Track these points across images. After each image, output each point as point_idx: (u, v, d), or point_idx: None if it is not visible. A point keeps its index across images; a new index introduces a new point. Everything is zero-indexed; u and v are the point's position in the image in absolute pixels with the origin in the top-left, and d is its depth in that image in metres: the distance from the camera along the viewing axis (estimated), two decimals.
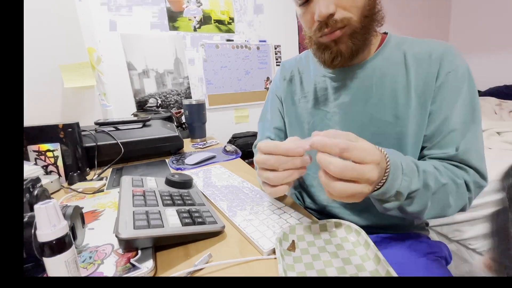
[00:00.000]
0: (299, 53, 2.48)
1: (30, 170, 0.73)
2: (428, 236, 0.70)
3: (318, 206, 0.73)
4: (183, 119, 1.84)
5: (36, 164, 0.79)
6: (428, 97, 0.55)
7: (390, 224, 0.66)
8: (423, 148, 0.58)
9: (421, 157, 0.59)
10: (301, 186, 0.79)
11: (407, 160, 0.45)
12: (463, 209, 0.55)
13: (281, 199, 0.63)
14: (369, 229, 0.55)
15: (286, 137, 0.80)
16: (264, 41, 2.37)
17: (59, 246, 0.30)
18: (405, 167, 0.43)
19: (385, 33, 0.64)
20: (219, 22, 2.19)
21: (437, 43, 0.58)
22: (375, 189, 0.42)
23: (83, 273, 0.38)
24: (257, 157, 0.45)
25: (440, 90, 0.55)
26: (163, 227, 0.44)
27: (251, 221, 0.53)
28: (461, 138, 0.53)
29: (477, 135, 0.55)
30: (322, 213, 0.72)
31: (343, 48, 0.56)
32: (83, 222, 0.47)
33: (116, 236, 0.40)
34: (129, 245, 0.42)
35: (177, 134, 1.06)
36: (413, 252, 0.61)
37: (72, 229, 0.41)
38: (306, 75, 0.74)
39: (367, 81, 0.61)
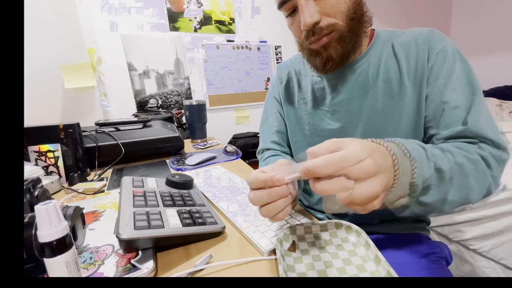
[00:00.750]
0: None
1: (31, 170, 0.74)
2: (428, 237, 0.70)
3: (317, 202, 0.73)
4: (184, 120, 1.84)
5: (36, 164, 0.79)
6: (422, 80, 0.56)
7: (391, 220, 0.65)
8: (426, 131, 0.57)
9: (428, 142, 0.58)
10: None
11: (412, 144, 0.40)
12: (489, 192, 0.49)
13: None
14: (369, 228, 0.55)
15: (288, 139, 0.80)
16: (265, 41, 2.37)
17: (60, 246, 0.30)
18: (412, 153, 0.38)
19: (373, 30, 0.65)
20: (220, 22, 2.19)
21: (420, 29, 0.59)
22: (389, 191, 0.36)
23: (84, 274, 0.38)
24: (250, 196, 0.41)
25: (432, 71, 0.55)
26: (164, 227, 0.44)
27: (252, 222, 0.53)
28: (466, 112, 0.51)
29: (482, 106, 0.52)
30: (323, 212, 0.72)
31: (332, 53, 0.57)
32: (83, 223, 0.47)
33: (117, 236, 0.40)
34: (129, 246, 0.42)
35: (177, 134, 1.06)
36: (414, 253, 0.61)
37: (73, 229, 0.41)
38: (303, 76, 0.74)
39: (362, 76, 0.62)
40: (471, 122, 0.50)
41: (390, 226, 0.66)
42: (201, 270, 0.41)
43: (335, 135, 0.66)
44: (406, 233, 0.67)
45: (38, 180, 0.54)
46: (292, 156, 0.81)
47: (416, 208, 0.43)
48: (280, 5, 0.57)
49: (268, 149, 0.82)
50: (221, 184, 0.74)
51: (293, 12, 0.57)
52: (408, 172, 0.37)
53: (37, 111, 1.02)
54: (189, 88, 2.17)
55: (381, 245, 0.54)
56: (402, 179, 0.36)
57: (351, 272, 0.40)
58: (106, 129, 1.00)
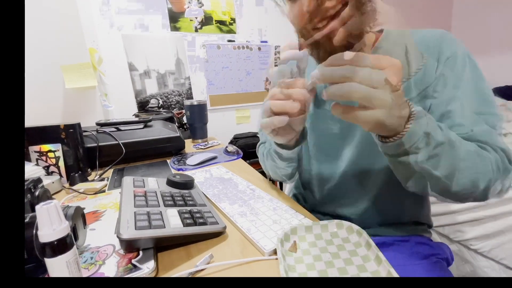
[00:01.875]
0: None
1: (32, 170, 0.74)
2: (430, 238, 0.70)
3: (318, 203, 0.73)
4: (185, 120, 1.84)
5: (37, 164, 0.79)
6: (428, 88, 0.53)
7: (392, 223, 0.65)
8: None
9: None
10: (302, 186, 0.79)
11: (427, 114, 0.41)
12: (501, 191, 0.48)
13: (284, 200, 0.63)
14: (370, 230, 0.54)
15: None
16: (266, 41, 2.37)
17: (61, 246, 0.30)
18: (427, 114, 0.40)
19: (380, 31, 0.60)
20: (221, 22, 2.19)
21: (433, 31, 0.56)
22: (401, 135, 0.38)
23: (85, 274, 0.38)
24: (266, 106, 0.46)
25: (440, 78, 0.52)
26: (165, 227, 0.44)
27: (253, 222, 0.53)
28: (475, 120, 0.49)
29: (489, 120, 0.48)
30: (324, 213, 0.72)
31: (337, 43, 0.47)
32: (84, 223, 0.47)
33: (118, 236, 0.40)
34: (130, 246, 0.42)
35: (178, 134, 1.06)
36: (415, 254, 0.61)
37: (74, 229, 0.41)
38: (307, 75, 0.71)
39: None
40: (478, 130, 0.48)
41: (391, 229, 0.66)
42: (202, 270, 0.41)
43: (336, 136, 0.66)
44: (407, 235, 0.66)
45: (39, 180, 0.54)
46: None
47: (421, 180, 0.44)
48: None
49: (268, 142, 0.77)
50: (221, 184, 0.74)
51: None
52: (423, 120, 0.38)
53: (38, 111, 1.02)
54: (190, 88, 2.17)
55: (382, 247, 0.56)
56: (415, 126, 0.38)
57: (352, 272, 0.40)
58: (107, 129, 1.00)
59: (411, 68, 0.54)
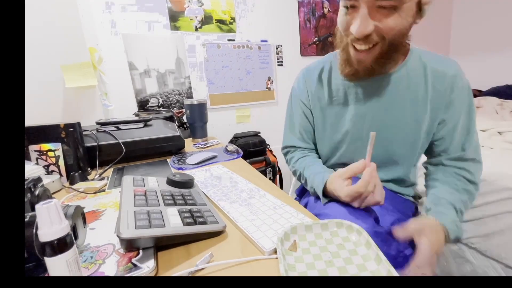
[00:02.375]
0: (301, 53, 2.50)
1: (32, 170, 0.74)
2: (416, 205, 0.85)
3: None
4: (185, 119, 1.84)
5: (37, 164, 0.79)
6: (440, 107, 0.69)
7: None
8: (432, 146, 0.75)
9: (430, 151, 0.77)
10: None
11: (451, 216, 0.63)
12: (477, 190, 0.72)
13: (284, 199, 0.63)
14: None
15: (313, 135, 0.88)
16: (265, 40, 2.37)
17: (61, 245, 0.30)
18: (456, 220, 0.63)
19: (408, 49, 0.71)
20: (221, 22, 2.18)
21: (450, 63, 0.69)
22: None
23: (85, 273, 0.38)
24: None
25: (452, 102, 0.68)
26: (165, 227, 0.44)
27: (253, 221, 0.53)
28: (466, 140, 0.70)
29: (474, 135, 0.72)
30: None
31: (362, 68, 0.66)
32: (84, 222, 0.47)
33: (118, 236, 0.40)
34: (130, 245, 0.42)
35: (178, 134, 1.06)
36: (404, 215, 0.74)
37: (74, 228, 0.41)
38: (333, 78, 0.79)
39: (392, 89, 0.71)
40: (468, 149, 0.71)
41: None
42: (202, 269, 0.41)
43: (347, 132, 0.78)
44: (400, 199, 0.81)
45: (39, 179, 0.54)
46: (316, 151, 0.90)
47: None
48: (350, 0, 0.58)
49: (294, 148, 0.90)
50: (222, 183, 0.74)
51: (353, 7, 0.58)
52: (455, 228, 0.62)
53: (38, 111, 1.02)
54: (190, 87, 2.16)
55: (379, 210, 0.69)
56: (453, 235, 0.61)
57: (351, 271, 0.40)
58: (107, 128, 1.00)
59: (427, 87, 0.69)
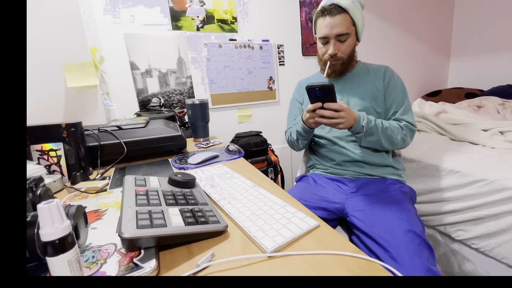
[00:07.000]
0: (302, 52, 2.51)
1: (33, 169, 0.74)
2: (401, 181, 1.10)
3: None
4: (186, 119, 1.84)
5: (39, 163, 0.79)
6: (381, 90, 1.10)
7: (372, 162, 1.11)
8: (388, 110, 1.10)
9: (384, 117, 1.11)
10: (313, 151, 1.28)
11: (369, 117, 0.98)
12: (406, 143, 1.07)
13: (286, 198, 0.63)
14: (360, 169, 1.10)
15: None
16: (267, 40, 2.37)
17: (62, 245, 0.30)
18: (365, 118, 0.96)
19: (357, 61, 1.20)
20: (222, 21, 2.18)
21: (381, 65, 1.16)
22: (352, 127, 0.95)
23: (86, 273, 0.38)
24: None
25: (387, 86, 1.09)
26: (166, 226, 0.44)
27: (254, 221, 0.53)
28: (401, 106, 1.08)
29: (409, 104, 1.10)
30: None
31: (337, 68, 1.12)
32: (86, 222, 0.47)
33: (119, 235, 0.40)
34: (132, 245, 0.42)
35: (180, 133, 1.06)
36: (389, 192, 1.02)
37: (75, 228, 0.41)
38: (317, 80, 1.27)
39: (352, 79, 1.17)
40: (400, 112, 1.08)
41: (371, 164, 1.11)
42: (204, 269, 0.41)
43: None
44: (384, 178, 1.09)
45: (40, 179, 0.54)
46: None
47: (364, 141, 1.01)
48: (323, 39, 1.07)
49: (291, 128, 1.29)
50: (223, 183, 0.74)
51: (326, 43, 1.08)
52: (363, 121, 0.96)
53: (39, 110, 1.02)
54: (192, 87, 2.16)
55: (367, 185, 1.05)
56: (358, 124, 0.95)
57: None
58: (109, 128, 1.00)
59: (372, 78, 1.14)
